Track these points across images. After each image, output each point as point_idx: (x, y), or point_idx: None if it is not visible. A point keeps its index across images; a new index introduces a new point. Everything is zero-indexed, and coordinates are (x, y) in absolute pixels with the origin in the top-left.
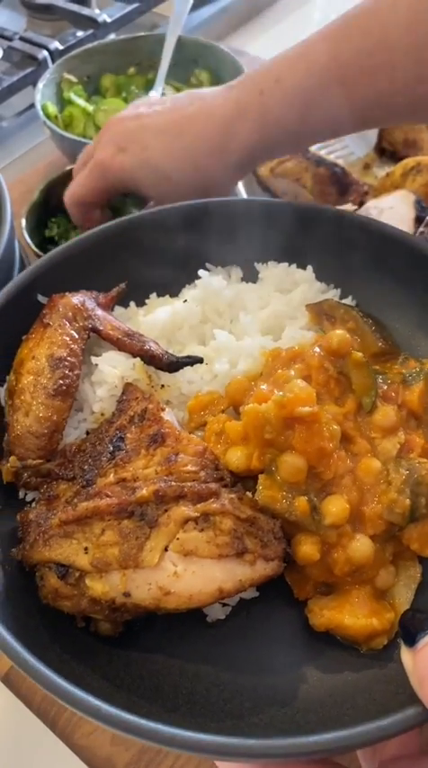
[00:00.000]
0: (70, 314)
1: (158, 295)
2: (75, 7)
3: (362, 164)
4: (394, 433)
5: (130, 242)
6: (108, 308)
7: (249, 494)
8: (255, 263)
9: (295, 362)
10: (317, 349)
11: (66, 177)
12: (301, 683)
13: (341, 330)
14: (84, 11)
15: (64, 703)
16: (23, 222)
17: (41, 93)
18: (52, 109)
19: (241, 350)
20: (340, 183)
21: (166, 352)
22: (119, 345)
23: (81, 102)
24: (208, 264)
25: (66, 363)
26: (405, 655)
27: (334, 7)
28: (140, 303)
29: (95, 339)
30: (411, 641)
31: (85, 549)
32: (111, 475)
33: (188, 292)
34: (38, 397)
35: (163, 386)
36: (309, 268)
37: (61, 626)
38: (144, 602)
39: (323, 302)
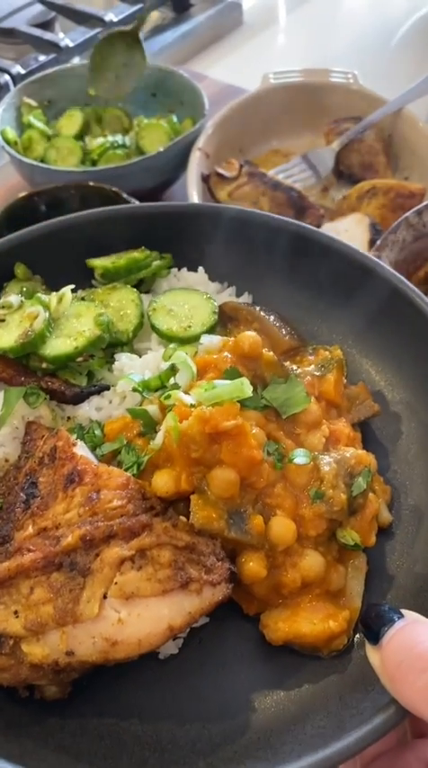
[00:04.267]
0: None
1: None
2: (37, 32)
3: (321, 187)
4: (317, 427)
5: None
6: None
7: (183, 518)
8: None
9: (208, 372)
10: (228, 354)
11: (21, 203)
12: (269, 702)
13: (250, 332)
14: (47, 35)
15: None
16: None
17: (1, 118)
18: (12, 134)
19: (145, 366)
20: (296, 206)
21: (66, 383)
22: (14, 385)
23: (40, 125)
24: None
25: None
26: (372, 654)
27: (296, 33)
28: None
29: None
30: (374, 639)
31: (15, 612)
32: (30, 526)
33: None
34: None
35: (68, 418)
36: (201, 269)
37: (0, 701)
38: (90, 657)
39: (223, 305)
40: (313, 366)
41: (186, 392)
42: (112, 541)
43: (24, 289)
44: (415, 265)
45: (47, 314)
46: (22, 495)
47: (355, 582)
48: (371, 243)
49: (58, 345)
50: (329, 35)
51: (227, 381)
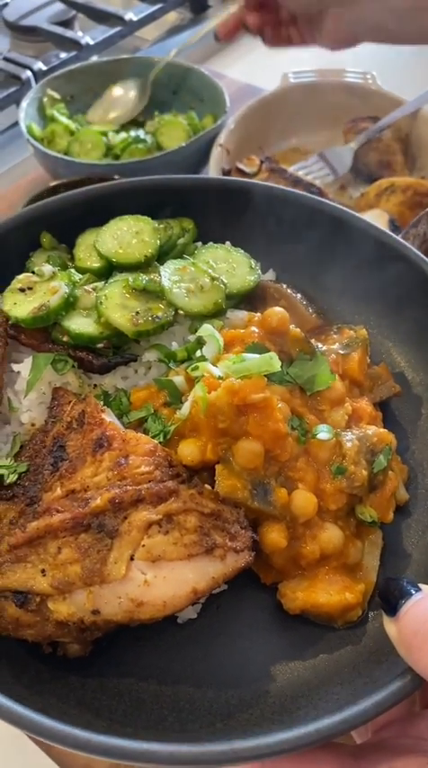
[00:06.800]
0: None
1: None
2: (59, 29)
3: (339, 184)
4: (341, 404)
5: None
6: None
7: (208, 486)
8: None
9: (234, 345)
10: (255, 329)
11: (48, 194)
12: (284, 668)
13: (278, 308)
14: (68, 33)
15: (48, 741)
16: None
17: (25, 112)
18: (37, 129)
19: (171, 337)
20: None
21: (94, 353)
22: (43, 351)
23: (63, 119)
24: None
25: None
26: (389, 625)
27: None
28: None
29: (13, 345)
30: (392, 611)
31: (42, 571)
32: (58, 488)
33: None
34: None
35: (95, 386)
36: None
37: (24, 656)
38: (115, 617)
39: None
40: (338, 344)
41: (213, 365)
42: (140, 505)
43: (50, 256)
44: None
45: (67, 291)
46: (50, 458)
47: (371, 557)
48: None
49: (84, 324)
50: None
51: (256, 355)
